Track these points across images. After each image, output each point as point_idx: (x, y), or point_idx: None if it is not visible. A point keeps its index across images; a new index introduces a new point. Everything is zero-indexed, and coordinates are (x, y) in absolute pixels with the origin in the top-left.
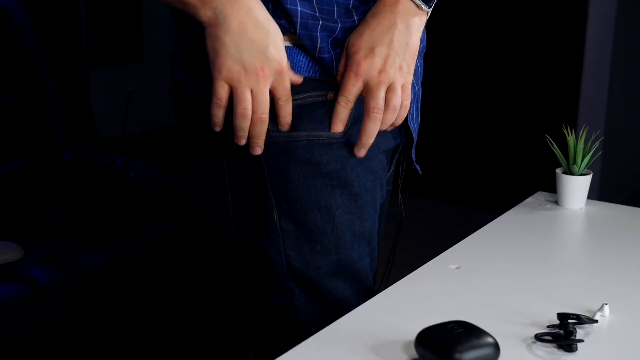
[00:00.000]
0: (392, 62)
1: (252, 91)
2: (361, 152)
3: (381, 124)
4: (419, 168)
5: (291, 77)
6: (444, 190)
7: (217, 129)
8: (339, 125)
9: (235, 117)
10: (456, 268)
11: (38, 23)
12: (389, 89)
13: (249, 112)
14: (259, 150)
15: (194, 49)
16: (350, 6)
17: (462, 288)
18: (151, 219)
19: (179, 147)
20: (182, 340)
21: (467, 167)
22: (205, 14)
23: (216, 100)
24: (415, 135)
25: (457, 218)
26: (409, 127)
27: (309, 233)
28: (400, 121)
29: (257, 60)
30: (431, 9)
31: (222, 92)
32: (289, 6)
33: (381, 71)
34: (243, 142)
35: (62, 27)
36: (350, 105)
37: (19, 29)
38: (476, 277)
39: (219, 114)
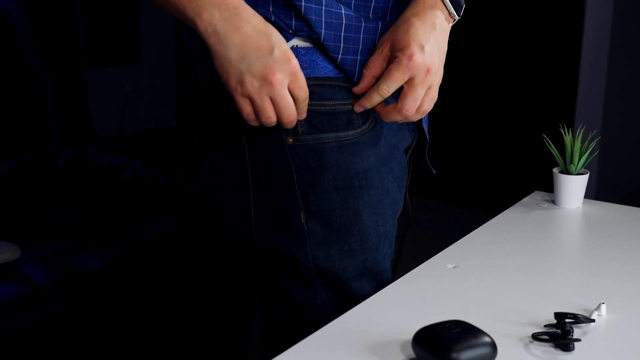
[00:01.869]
0: (437, 64)
1: (271, 99)
2: (366, 104)
3: (407, 119)
4: (432, 168)
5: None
6: (441, 189)
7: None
8: (366, 105)
9: (264, 125)
10: (453, 267)
11: (35, 23)
12: (426, 92)
13: (273, 119)
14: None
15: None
16: (390, 8)
17: (459, 287)
18: (148, 218)
19: (196, 146)
20: (180, 340)
21: (464, 166)
22: (204, 30)
23: (246, 117)
24: (428, 137)
25: (454, 217)
26: (422, 128)
27: (337, 234)
28: (415, 119)
29: (264, 66)
30: (459, 18)
31: (247, 107)
32: (306, 16)
33: (428, 71)
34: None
35: (59, 27)
36: (387, 95)
37: (16, 28)
38: (473, 277)
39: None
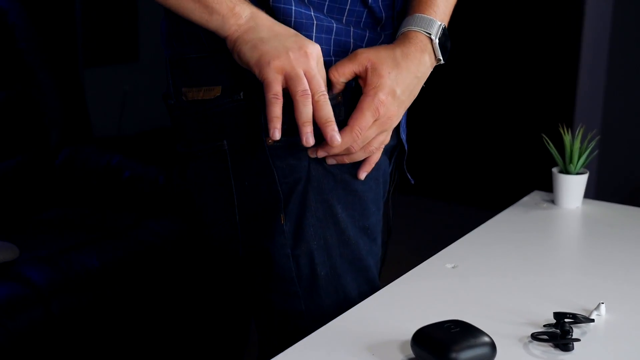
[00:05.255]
0: (399, 112)
1: (304, 72)
2: (329, 160)
3: (351, 158)
4: (411, 178)
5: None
6: (440, 189)
7: (277, 134)
8: (336, 148)
9: (296, 104)
10: (452, 267)
11: (33, 22)
12: (378, 135)
13: (309, 92)
14: (337, 137)
15: (190, 54)
16: (362, 24)
17: (459, 287)
18: (147, 218)
19: (178, 152)
20: (178, 340)
21: (463, 166)
22: (235, 22)
23: (272, 96)
24: (406, 147)
25: (453, 217)
26: (400, 137)
27: (314, 229)
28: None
29: (297, 42)
30: (443, 63)
31: (276, 85)
32: (282, 5)
33: (390, 118)
34: (312, 140)
35: (58, 26)
36: (360, 139)
37: (14, 28)
38: (472, 277)
39: (277, 111)
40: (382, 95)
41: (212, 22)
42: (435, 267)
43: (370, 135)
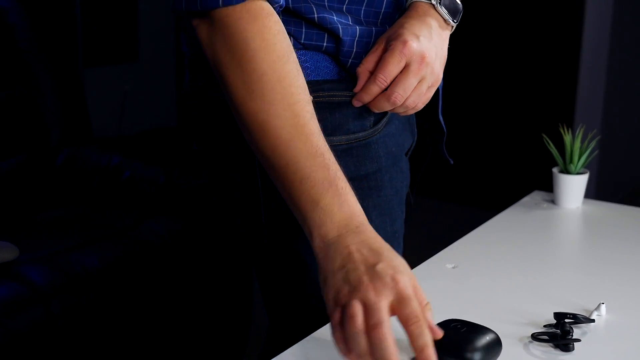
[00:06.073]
0: (431, 57)
1: (363, 303)
2: (364, 97)
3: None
4: (449, 158)
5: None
6: (440, 189)
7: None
8: (364, 99)
9: (349, 337)
10: (453, 267)
11: (33, 22)
12: (417, 85)
13: (361, 330)
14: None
15: None
16: (387, 15)
17: (459, 288)
18: (147, 218)
19: (196, 151)
20: (178, 340)
21: (463, 166)
22: (317, 244)
23: (334, 324)
24: (445, 129)
25: (453, 217)
26: (439, 120)
27: None
28: (401, 112)
29: (364, 275)
30: (456, 24)
31: (337, 315)
32: (329, 26)
33: (423, 59)
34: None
35: (58, 26)
36: (385, 85)
37: (14, 27)
38: (473, 277)
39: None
40: (404, 37)
41: (301, 224)
42: (436, 267)
43: (411, 84)
